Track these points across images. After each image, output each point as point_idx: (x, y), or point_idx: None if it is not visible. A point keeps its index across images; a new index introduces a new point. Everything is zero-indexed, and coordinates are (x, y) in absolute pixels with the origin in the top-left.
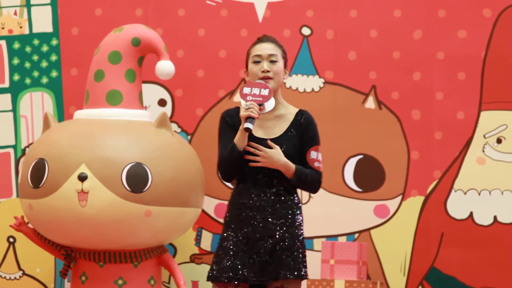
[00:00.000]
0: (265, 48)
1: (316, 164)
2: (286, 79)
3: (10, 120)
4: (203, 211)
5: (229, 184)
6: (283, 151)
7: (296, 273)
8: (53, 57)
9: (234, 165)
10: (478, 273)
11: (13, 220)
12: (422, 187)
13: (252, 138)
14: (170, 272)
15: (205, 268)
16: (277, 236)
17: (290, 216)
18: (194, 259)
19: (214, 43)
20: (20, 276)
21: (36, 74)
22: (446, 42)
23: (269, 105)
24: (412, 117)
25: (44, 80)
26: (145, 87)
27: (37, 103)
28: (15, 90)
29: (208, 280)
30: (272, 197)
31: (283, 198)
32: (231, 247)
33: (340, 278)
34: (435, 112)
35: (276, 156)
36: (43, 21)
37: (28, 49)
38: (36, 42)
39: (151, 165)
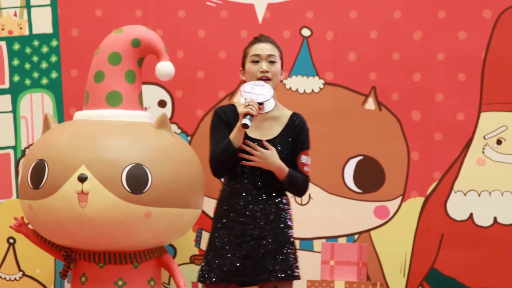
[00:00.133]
0: (264, 48)
1: (305, 168)
2: (282, 80)
3: (10, 121)
4: (203, 212)
5: None
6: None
7: (287, 274)
8: (53, 58)
9: (228, 161)
10: (478, 274)
11: (13, 221)
12: (422, 188)
13: (247, 138)
14: (170, 273)
15: None
16: (267, 237)
17: (280, 217)
18: (194, 260)
19: (214, 44)
20: (20, 277)
21: (36, 75)
22: (446, 43)
23: (269, 105)
24: (412, 118)
25: (44, 81)
26: (145, 88)
27: (37, 104)
28: (15, 91)
29: (198, 281)
30: (263, 198)
31: (273, 199)
32: (220, 247)
33: (340, 279)
34: (435, 113)
35: (271, 158)
36: (43, 22)
37: (28, 50)
38: (36, 43)
39: (151, 166)
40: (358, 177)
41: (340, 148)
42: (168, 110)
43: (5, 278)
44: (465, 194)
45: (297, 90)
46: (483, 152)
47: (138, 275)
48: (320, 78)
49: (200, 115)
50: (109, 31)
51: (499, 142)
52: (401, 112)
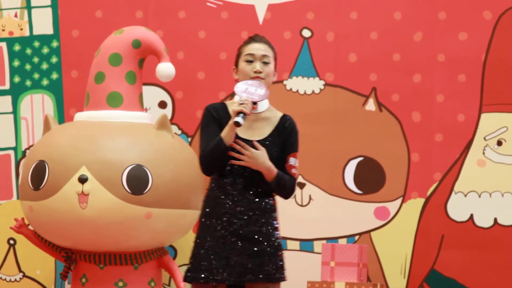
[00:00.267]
0: (259, 49)
1: (293, 171)
2: (274, 81)
3: (10, 122)
4: None
5: None
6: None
7: (273, 276)
8: (54, 59)
9: (218, 159)
10: (479, 275)
11: (13, 222)
12: (423, 189)
13: (237, 138)
14: (170, 274)
15: None
16: (254, 238)
17: (267, 218)
18: None
19: (214, 45)
20: (20, 278)
21: (36, 76)
22: (447, 44)
23: (263, 105)
24: (412, 119)
25: (45, 82)
26: (146, 89)
27: (38, 105)
28: (16, 92)
29: (185, 281)
30: (250, 198)
31: (261, 200)
32: (207, 246)
33: (340, 280)
34: (435, 114)
35: (261, 158)
36: (43, 23)
37: (28, 51)
38: (36, 44)
39: (152, 167)
40: (358, 178)
41: (341, 149)
42: (168, 111)
43: (5, 279)
44: (465, 195)
45: (297, 91)
46: (483, 153)
47: (138, 276)
48: (320, 79)
49: (200, 116)
50: (110, 32)
51: (499, 143)
52: (402, 113)
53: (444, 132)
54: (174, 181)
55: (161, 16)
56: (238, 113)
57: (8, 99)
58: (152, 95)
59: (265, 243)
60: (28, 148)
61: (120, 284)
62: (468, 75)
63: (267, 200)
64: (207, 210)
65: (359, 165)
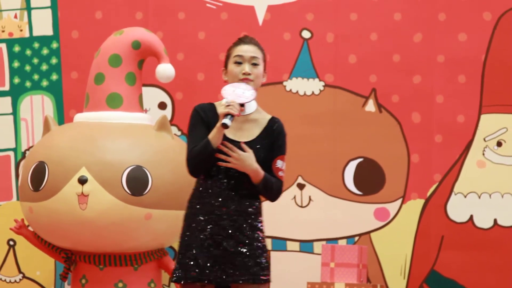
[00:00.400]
0: (248, 50)
1: (280, 173)
2: (263, 82)
3: (10, 123)
4: None
5: None
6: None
7: (257, 277)
8: (53, 60)
9: (205, 161)
10: (478, 276)
11: (13, 223)
12: (422, 190)
13: (225, 139)
14: (170, 275)
15: None
16: (239, 239)
17: (253, 220)
18: None
19: (214, 46)
20: (20, 279)
21: (36, 77)
22: (446, 45)
23: (250, 107)
24: (412, 120)
25: (44, 83)
26: (145, 90)
27: (37, 106)
28: (15, 93)
29: (172, 281)
30: (236, 199)
31: (247, 201)
32: (193, 246)
33: (340, 281)
34: (435, 115)
35: (248, 160)
36: (43, 24)
37: (28, 52)
38: (36, 45)
39: (151, 168)
40: (358, 179)
41: (340, 150)
42: (168, 112)
43: (5, 280)
44: (465, 196)
45: (297, 92)
46: (483, 154)
47: (138, 277)
48: (320, 80)
49: None
50: (109, 33)
51: (499, 144)
52: (401, 114)
53: (444, 133)
54: (174, 182)
55: (161, 17)
56: (225, 115)
57: (8, 100)
58: (152, 96)
59: (251, 245)
60: (28, 149)
61: (120, 285)
62: (468, 76)
63: (253, 202)
64: (192, 210)
65: (359, 166)
